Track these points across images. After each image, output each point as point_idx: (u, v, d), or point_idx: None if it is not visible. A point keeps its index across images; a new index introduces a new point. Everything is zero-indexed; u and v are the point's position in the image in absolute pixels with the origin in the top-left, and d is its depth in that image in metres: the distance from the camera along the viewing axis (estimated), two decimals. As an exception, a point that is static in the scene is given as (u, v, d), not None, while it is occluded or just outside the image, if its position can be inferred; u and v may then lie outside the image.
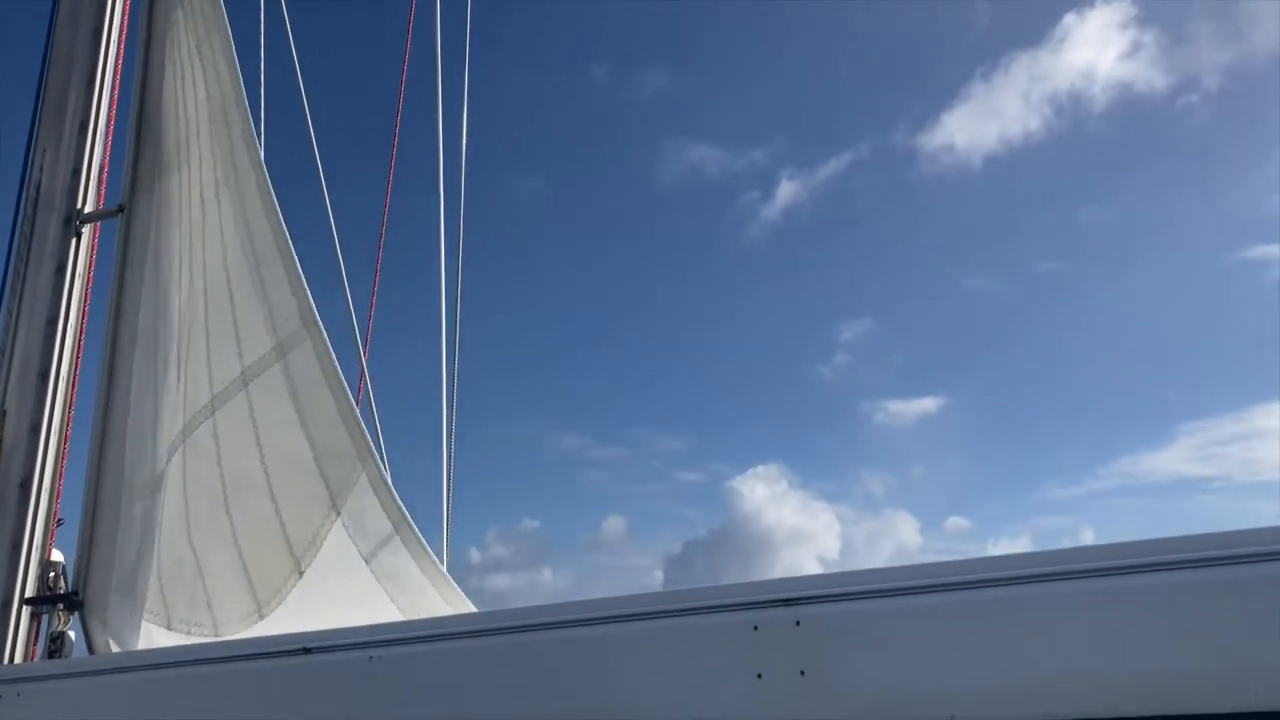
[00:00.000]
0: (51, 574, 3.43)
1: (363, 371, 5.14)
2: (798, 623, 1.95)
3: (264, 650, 2.56)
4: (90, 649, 3.22)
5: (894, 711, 1.84)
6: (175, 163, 3.75)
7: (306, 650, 2.47)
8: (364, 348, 5.15)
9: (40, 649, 3.34)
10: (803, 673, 1.91)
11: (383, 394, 4.89)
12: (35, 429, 3.50)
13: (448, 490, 5.02)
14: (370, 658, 2.37)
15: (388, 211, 5.98)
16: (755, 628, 1.98)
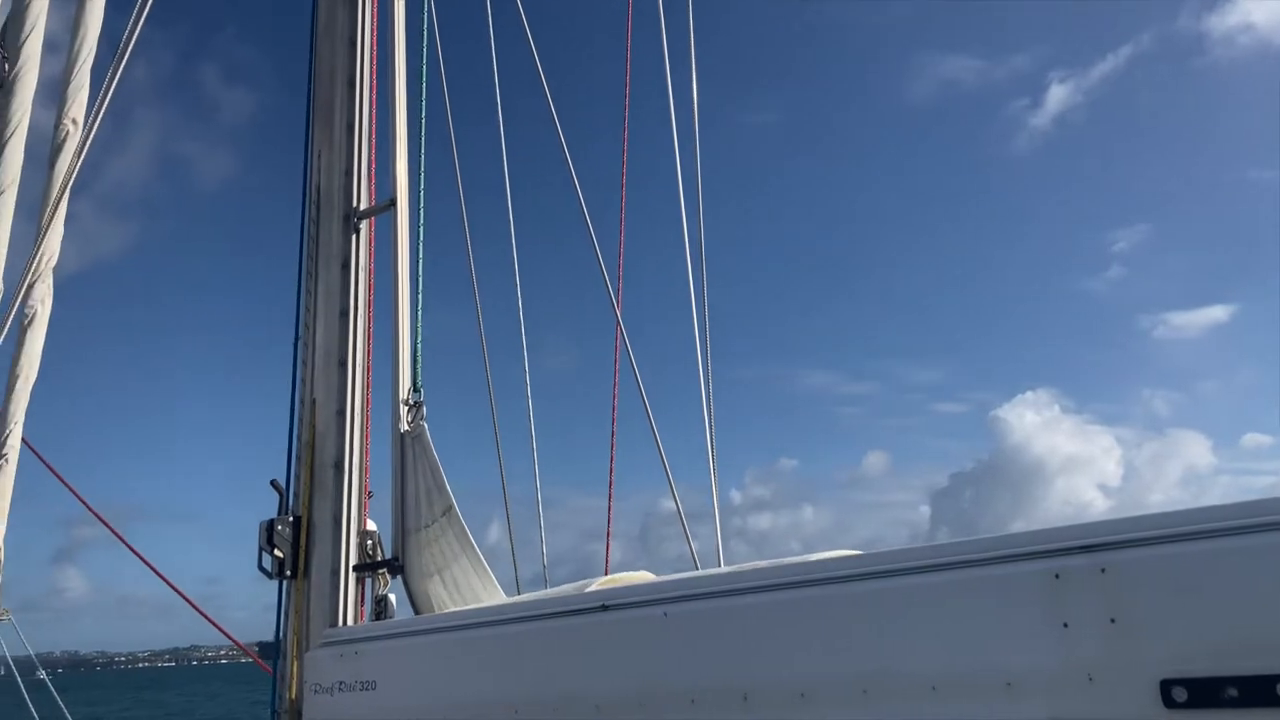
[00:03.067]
0: (369, 543, 3.77)
1: (618, 324, 5.30)
2: (1103, 570, 1.86)
3: (566, 608, 2.72)
4: (415, 610, 3.52)
5: (1219, 662, 1.72)
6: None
7: (604, 607, 2.60)
8: (616, 299, 5.30)
9: (367, 611, 3.69)
10: (1113, 621, 1.83)
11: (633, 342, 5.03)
12: (341, 414, 3.83)
13: (710, 433, 5.10)
14: (665, 613, 2.46)
15: (626, 160, 6.11)
16: (1056, 576, 1.91)
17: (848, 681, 2.12)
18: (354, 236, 4.02)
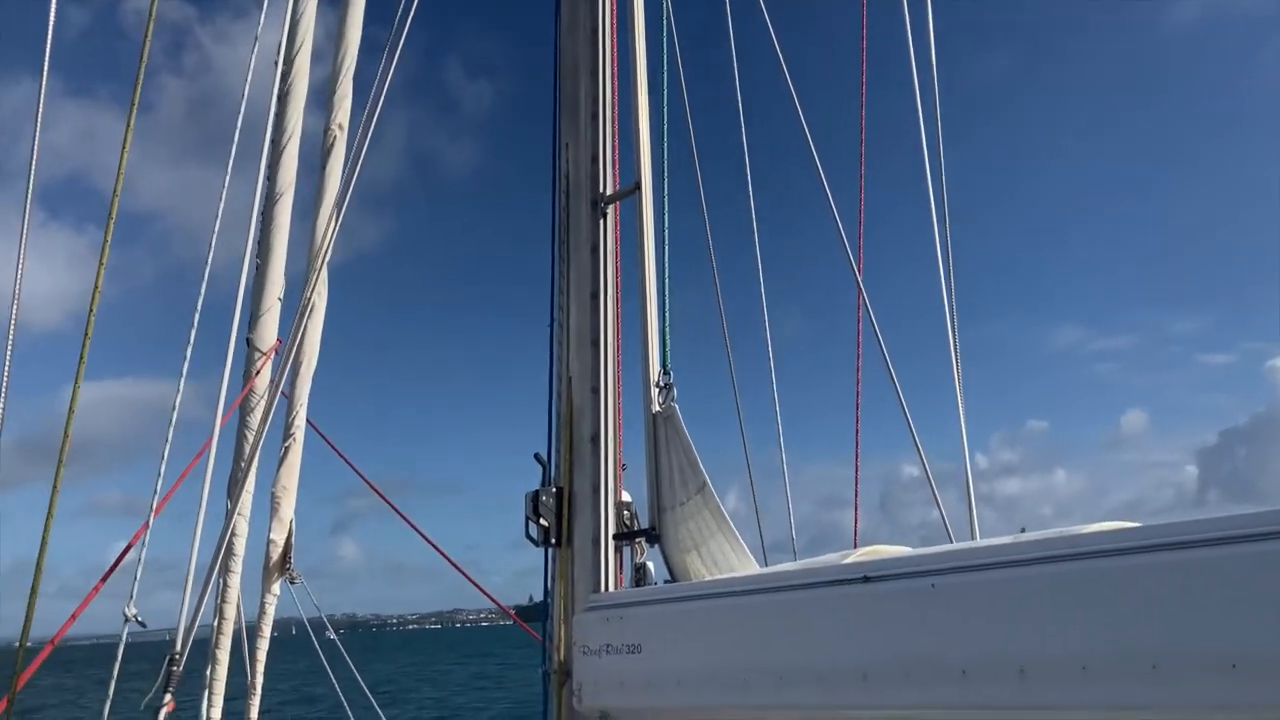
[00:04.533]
0: (626, 513, 3.96)
1: (858, 287, 5.26)
2: None
3: (827, 579, 2.75)
4: (672, 577, 3.67)
5: None
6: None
7: (866, 579, 2.61)
8: (858, 262, 5.26)
9: (627, 578, 3.87)
10: None
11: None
12: (595, 391, 4.02)
13: (959, 393, 4.99)
14: (933, 585, 2.45)
15: (864, 109, 6.02)
16: None
17: (1135, 657, 2.05)
18: (601, 221, 4.20)
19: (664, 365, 3.94)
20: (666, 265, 4.08)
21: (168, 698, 3.65)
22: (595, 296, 4.11)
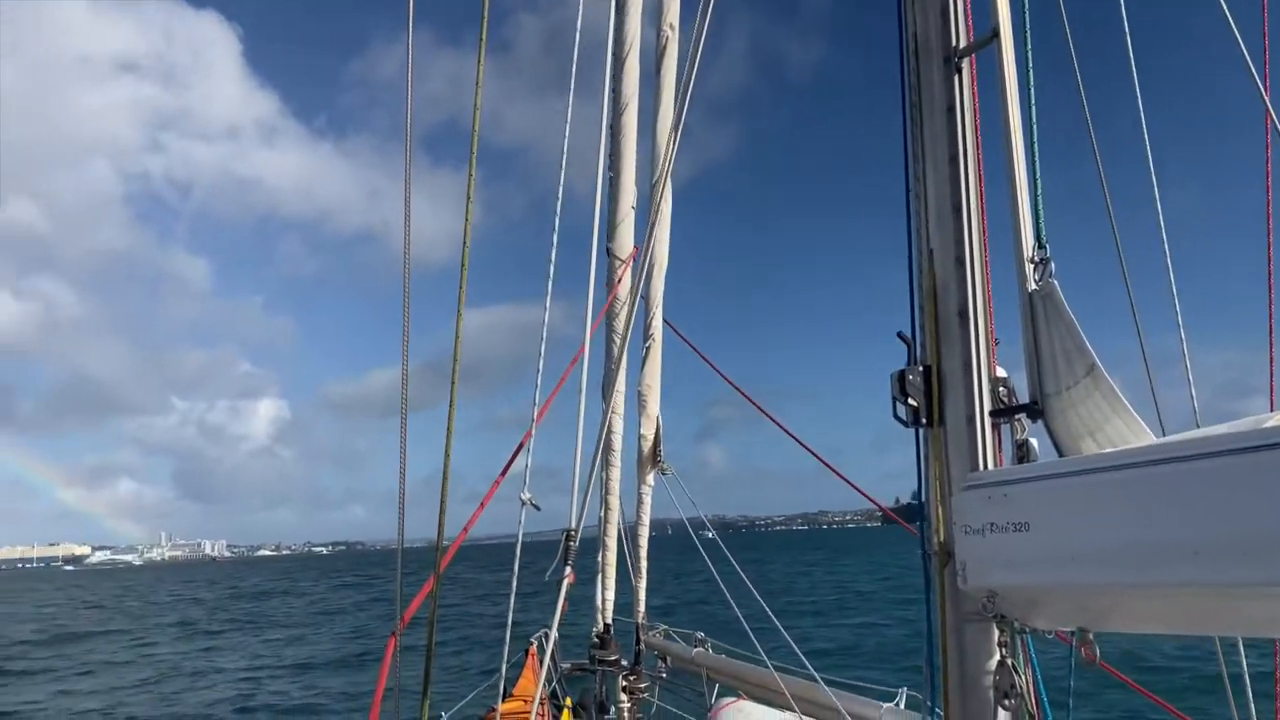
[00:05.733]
0: (1002, 389, 3.70)
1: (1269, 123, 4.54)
2: None
3: (1245, 445, 2.40)
4: (1059, 452, 3.40)
5: None
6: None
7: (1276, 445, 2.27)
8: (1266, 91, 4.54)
9: (1006, 455, 3.64)
10: None
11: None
12: (960, 261, 3.76)
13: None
14: None
15: None
16: None
17: None
18: (956, 77, 3.88)
19: (1039, 239, 3.60)
20: (1034, 123, 3.69)
21: (568, 570, 3.96)
22: (954, 161, 3.82)
